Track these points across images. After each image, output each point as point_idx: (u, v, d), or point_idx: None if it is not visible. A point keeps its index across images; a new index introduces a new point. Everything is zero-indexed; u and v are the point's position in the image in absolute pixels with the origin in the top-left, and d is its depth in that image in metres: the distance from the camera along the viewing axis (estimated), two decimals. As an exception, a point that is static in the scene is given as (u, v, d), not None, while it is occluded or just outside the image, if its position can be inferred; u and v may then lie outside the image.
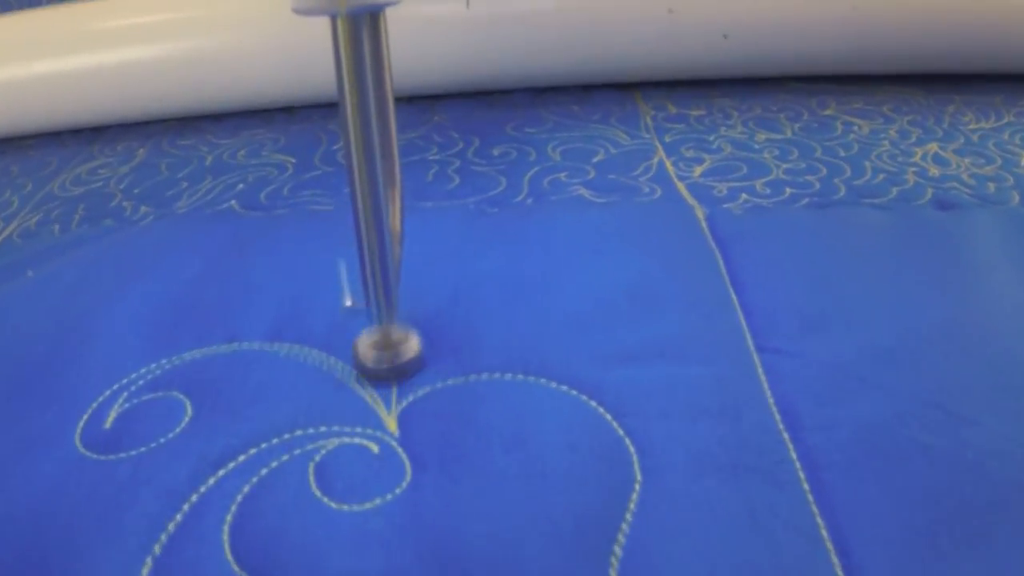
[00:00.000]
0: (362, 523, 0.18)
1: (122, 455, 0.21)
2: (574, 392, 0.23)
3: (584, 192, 0.35)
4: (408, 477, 0.20)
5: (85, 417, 0.22)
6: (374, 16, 0.18)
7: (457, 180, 0.37)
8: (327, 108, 0.50)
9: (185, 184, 0.40)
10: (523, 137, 0.42)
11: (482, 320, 0.26)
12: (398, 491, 0.19)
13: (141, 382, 0.23)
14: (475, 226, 0.32)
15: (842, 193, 0.36)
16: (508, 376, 0.23)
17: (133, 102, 0.48)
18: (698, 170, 0.38)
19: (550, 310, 0.26)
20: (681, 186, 0.36)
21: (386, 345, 0.23)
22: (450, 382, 0.23)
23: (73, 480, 0.20)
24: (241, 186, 0.38)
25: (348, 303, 0.23)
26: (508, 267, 0.29)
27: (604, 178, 0.37)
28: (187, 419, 0.22)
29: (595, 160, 0.39)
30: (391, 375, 0.23)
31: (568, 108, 0.46)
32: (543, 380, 0.23)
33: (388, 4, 0.18)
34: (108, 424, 0.22)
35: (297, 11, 0.18)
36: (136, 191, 0.40)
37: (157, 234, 0.33)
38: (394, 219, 0.20)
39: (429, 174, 0.38)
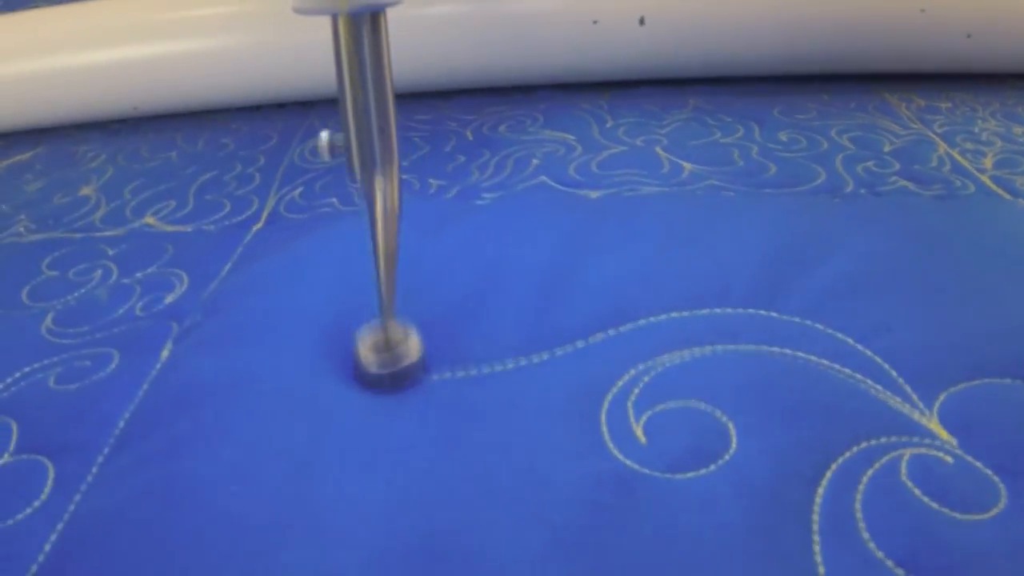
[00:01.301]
0: (1001, 532, 0.18)
1: (691, 475, 0.20)
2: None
3: (906, 184, 0.35)
4: (1002, 488, 0.19)
5: (604, 429, 0.21)
6: (375, 15, 0.19)
7: (773, 168, 0.36)
8: (573, 88, 0.48)
9: (462, 159, 0.38)
10: (798, 124, 0.41)
11: (938, 311, 0.25)
12: (1001, 504, 0.19)
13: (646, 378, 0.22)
14: (833, 217, 0.31)
15: None
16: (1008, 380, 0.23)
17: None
18: (987, 163, 0.38)
19: (987, 309, 0.26)
20: (985, 179, 0.36)
21: (386, 347, 0.22)
22: (962, 387, 0.23)
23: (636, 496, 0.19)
24: (535, 162, 0.37)
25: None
26: (912, 266, 0.28)
27: (910, 168, 0.36)
28: (734, 438, 0.21)
29: (887, 149, 0.38)
30: (391, 380, 0.22)
31: (819, 97, 0.45)
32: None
33: (389, 4, 0.19)
34: (642, 439, 0.21)
35: (298, 11, 0.19)
36: (404, 164, 0.38)
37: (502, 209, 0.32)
38: (392, 199, 0.21)
39: (735, 157, 0.37)
